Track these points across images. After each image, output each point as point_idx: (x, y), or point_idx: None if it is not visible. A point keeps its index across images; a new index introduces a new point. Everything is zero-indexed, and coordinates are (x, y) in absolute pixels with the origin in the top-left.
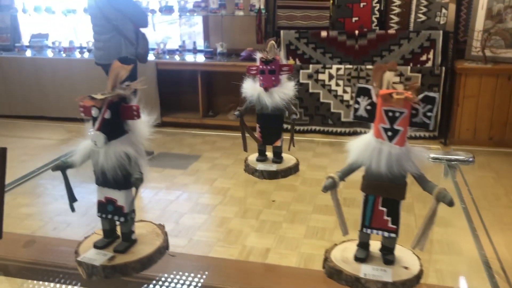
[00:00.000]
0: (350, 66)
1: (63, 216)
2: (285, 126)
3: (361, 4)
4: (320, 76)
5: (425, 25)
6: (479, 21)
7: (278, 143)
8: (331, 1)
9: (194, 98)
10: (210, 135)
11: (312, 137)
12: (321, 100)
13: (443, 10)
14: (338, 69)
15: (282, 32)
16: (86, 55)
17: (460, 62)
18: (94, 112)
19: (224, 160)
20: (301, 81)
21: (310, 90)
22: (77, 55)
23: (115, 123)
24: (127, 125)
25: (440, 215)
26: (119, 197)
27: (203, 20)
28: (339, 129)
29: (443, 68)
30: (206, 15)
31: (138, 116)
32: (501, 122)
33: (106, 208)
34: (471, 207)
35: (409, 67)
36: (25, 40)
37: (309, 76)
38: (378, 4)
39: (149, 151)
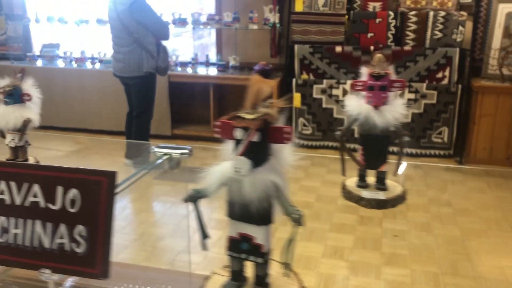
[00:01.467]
0: None
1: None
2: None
3: (377, 20)
4: (334, 91)
5: (442, 42)
6: (496, 39)
7: (383, 168)
8: (347, 17)
9: (205, 111)
10: (220, 149)
11: (324, 154)
12: (335, 115)
13: (460, 27)
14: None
15: (296, 46)
16: (98, 65)
17: (477, 80)
18: (238, 134)
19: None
20: (314, 96)
21: (324, 105)
22: (88, 65)
23: (262, 147)
24: (271, 149)
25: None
26: (258, 234)
27: (216, 33)
28: (353, 146)
29: (460, 86)
30: (220, 28)
31: (289, 140)
32: None
33: (239, 246)
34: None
35: (424, 84)
36: (36, 50)
37: (323, 91)
38: (394, 20)
39: (173, 164)
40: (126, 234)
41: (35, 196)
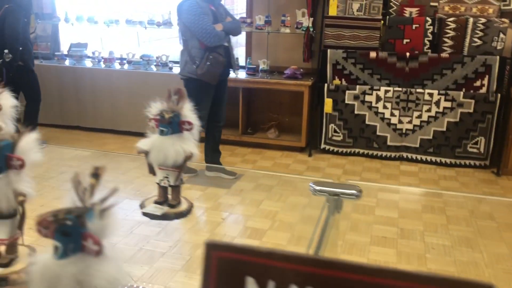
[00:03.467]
0: (399, 89)
1: None
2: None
3: (414, 26)
4: (367, 98)
5: (481, 50)
6: None
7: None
8: (382, 22)
9: (234, 114)
10: (249, 153)
11: (355, 160)
12: (367, 122)
13: (501, 35)
14: (386, 91)
15: (329, 51)
16: (126, 66)
17: None
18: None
19: (267, 181)
20: (346, 101)
21: (356, 112)
22: (117, 66)
23: None
24: None
25: None
26: None
27: (246, 36)
28: (384, 153)
29: (499, 95)
30: (250, 31)
31: None
32: None
33: None
34: None
35: (461, 93)
36: (64, 49)
37: (355, 97)
38: (431, 27)
39: (192, 169)
40: (161, 241)
41: None
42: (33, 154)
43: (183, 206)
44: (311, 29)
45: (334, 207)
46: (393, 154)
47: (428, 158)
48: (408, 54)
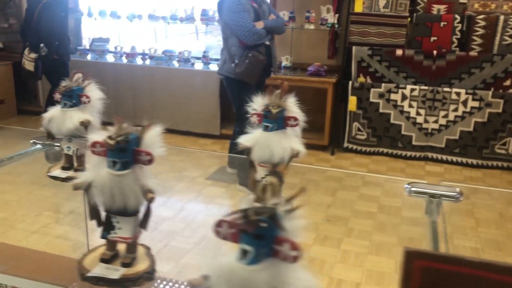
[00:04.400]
0: (426, 88)
1: None
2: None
3: (442, 24)
4: (392, 96)
5: (511, 49)
6: None
7: None
8: (409, 19)
9: None
10: None
11: (379, 160)
12: (392, 121)
13: None
14: (412, 90)
15: (354, 48)
16: (148, 61)
17: None
18: None
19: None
20: (371, 100)
21: (381, 110)
22: (139, 61)
23: None
24: None
25: None
26: None
27: None
28: (409, 153)
29: None
30: None
31: None
32: None
33: None
34: None
35: (490, 92)
36: (86, 44)
37: (380, 95)
38: (459, 24)
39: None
40: (186, 237)
41: None
42: (157, 149)
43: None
44: (336, 26)
45: (435, 210)
46: (418, 154)
47: (454, 158)
48: (435, 52)
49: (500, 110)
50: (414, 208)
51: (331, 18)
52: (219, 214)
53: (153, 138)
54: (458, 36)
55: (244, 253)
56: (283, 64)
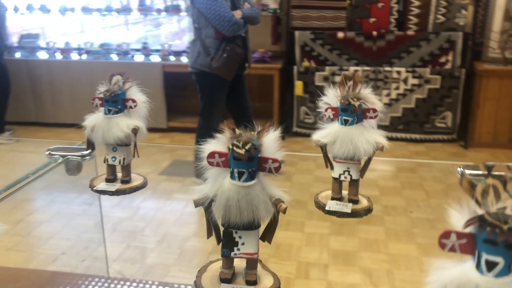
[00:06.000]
0: (368, 68)
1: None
2: None
3: (379, 5)
4: (337, 79)
5: (444, 27)
6: (497, 22)
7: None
8: (348, 1)
9: None
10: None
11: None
12: None
13: (463, 11)
14: (355, 71)
15: (296, 33)
16: (85, 57)
17: (479, 63)
18: None
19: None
20: (316, 83)
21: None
22: (75, 56)
23: None
24: None
25: None
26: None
27: None
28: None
29: (463, 70)
30: None
31: None
32: None
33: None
34: None
35: (428, 69)
36: (13, 41)
37: (325, 79)
38: (396, 5)
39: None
40: (147, 236)
41: None
42: (277, 155)
43: (363, 203)
44: (278, 11)
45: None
46: None
47: (399, 135)
48: (375, 33)
49: (438, 86)
50: None
51: (273, 3)
52: (179, 210)
53: (272, 144)
54: (396, 17)
55: (490, 266)
56: None
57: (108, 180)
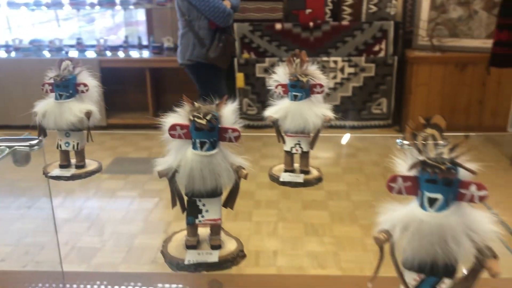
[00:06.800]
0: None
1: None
2: None
3: None
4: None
5: (377, 16)
6: (424, 11)
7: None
8: None
9: (142, 97)
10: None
11: (272, 133)
12: None
13: (393, 1)
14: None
15: (235, 25)
16: (13, 54)
17: (410, 51)
18: None
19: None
20: (257, 75)
21: (267, 85)
22: (2, 54)
23: None
24: None
25: None
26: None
27: (146, 14)
28: None
29: (396, 58)
30: (150, 8)
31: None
32: (450, 108)
33: None
34: None
35: (363, 58)
36: None
37: (265, 70)
38: None
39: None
40: (93, 236)
41: None
42: (236, 125)
43: (314, 173)
44: None
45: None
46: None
47: (338, 123)
48: (311, 24)
49: (373, 74)
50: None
51: None
52: (124, 208)
53: (231, 114)
54: (331, 7)
55: (431, 202)
56: (165, 45)
57: (62, 166)
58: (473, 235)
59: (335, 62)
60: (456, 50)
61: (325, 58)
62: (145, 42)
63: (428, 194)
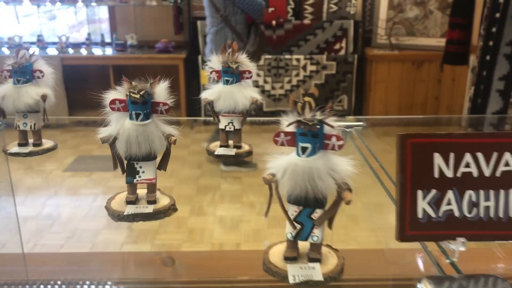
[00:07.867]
0: (270, 57)
1: None
2: None
3: None
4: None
5: (337, 15)
6: (383, 11)
7: None
8: None
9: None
10: None
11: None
12: None
13: (353, 0)
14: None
15: (199, 22)
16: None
17: (370, 49)
18: None
19: None
20: None
21: None
22: None
23: None
24: None
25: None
26: None
27: (108, 11)
28: (261, 119)
29: (355, 56)
30: (113, 5)
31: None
32: (408, 104)
33: None
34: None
35: (324, 56)
36: None
37: None
38: None
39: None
40: (56, 233)
41: (507, 165)
42: (168, 100)
43: (245, 148)
44: (179, 1)
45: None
46: (270, 120)
47: None
48: (274, 22)
49: (334, 72)
50: None
51: None
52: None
53: (162, 91)
54: (293, 6)
55: (303, 150)
56: (129, 42)
57: (20, 145)
58: (334, 174)
59: (298, 60)
60: (413, 48)
61: (288, 56)
62: (108, 40)
63: (301, 144)
